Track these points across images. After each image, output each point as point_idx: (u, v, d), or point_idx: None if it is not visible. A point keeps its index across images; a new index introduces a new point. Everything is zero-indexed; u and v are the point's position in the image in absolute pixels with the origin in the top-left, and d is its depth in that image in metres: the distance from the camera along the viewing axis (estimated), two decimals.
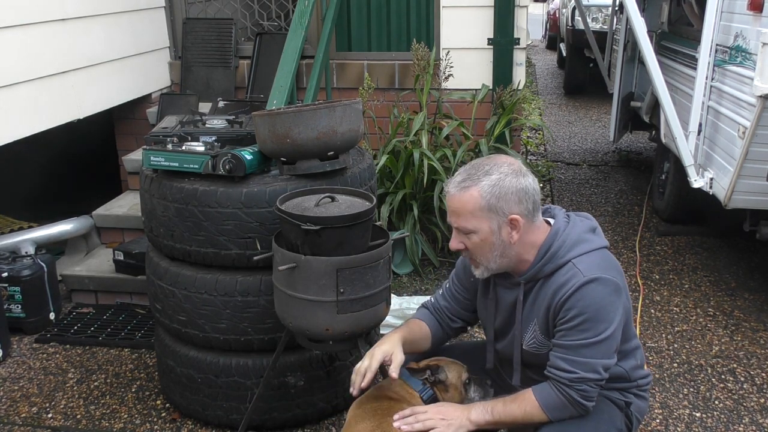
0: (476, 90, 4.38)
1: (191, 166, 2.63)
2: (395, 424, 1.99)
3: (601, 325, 1.92)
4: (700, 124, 3.84)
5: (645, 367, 2.23)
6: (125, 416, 3.00)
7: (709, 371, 3.29)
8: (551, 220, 2.10)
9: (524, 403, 1.99)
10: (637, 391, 2.18)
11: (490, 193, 1.94)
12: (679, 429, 2.89)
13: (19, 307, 3.60)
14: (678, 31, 4.73)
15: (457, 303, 2.29)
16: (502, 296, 2.15)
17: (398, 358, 2.06)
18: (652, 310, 3.87)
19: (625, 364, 2.12)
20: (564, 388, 1.95)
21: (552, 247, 2.01)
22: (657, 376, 3.25)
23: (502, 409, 2.01)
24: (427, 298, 3.65)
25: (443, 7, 4.41)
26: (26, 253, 3.88)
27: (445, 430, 1.99)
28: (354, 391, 2.05)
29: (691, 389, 3.16)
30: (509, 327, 2.16)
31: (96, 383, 3.25)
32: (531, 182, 1.99)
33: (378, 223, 2.58)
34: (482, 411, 2.02)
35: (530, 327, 2.08)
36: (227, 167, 2.58)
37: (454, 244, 2.05)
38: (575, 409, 1.96)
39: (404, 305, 3.59)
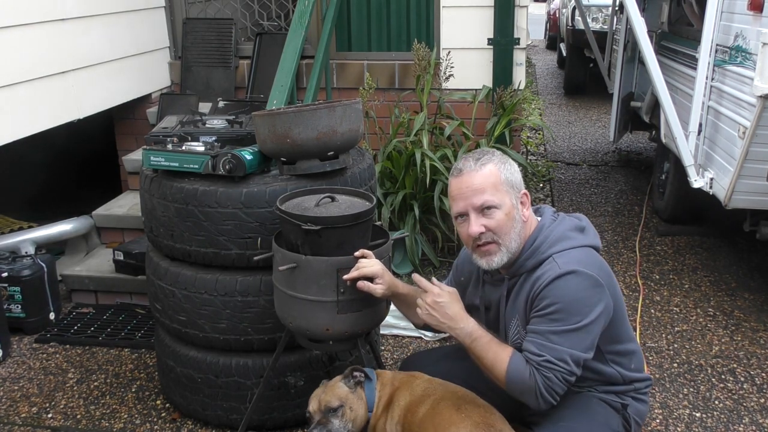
0: (476, 90, 4.38)
1: (191, 166, 2.63)
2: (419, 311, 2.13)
3: (573, 316, 1.92)
4: (700, 124, 3.85)
5: (645, 370, 2.22)
6: (125, 416, 3.00)
7: (709, 371, 3.29)
8: (540, 219, 2.12)
9: (498, 356, 2.01)
10: (635, 394, 2.17)
11: (505, 169, 2.03)
12: (679, 429, 2.89)
13: (19, 307, 3.60)
14: (678, 31, 4.73)
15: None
16: (489, 294, 2.17)
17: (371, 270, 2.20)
18: (652, 310, 3.86)
19: (620, 367, 2.11)
20: (532, 369, 1.95)
21: (536, 242, 2.03)
22: (657, 376, 3.25)
23: (484, 342, 2.03)
24: None
25: (443, 7, 4.41)
26: (26, 253, 3.88)
27: (432, 313, 2.09)
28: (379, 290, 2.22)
29: (691, 389, 3.16)
30: (496, 324, 2.18)
31: (96, 383, 3.25)
32: (517, 171, 2.11)
33: (378, 223, 2.58)
34: (470, 332, 2.05)
35: (513, 323, 2.09)
36: (227, 167, 2.58)
37: (475, 228, 2.01)
38: (533, 394, 1.95)
39: None
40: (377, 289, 2.20)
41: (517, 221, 2.02)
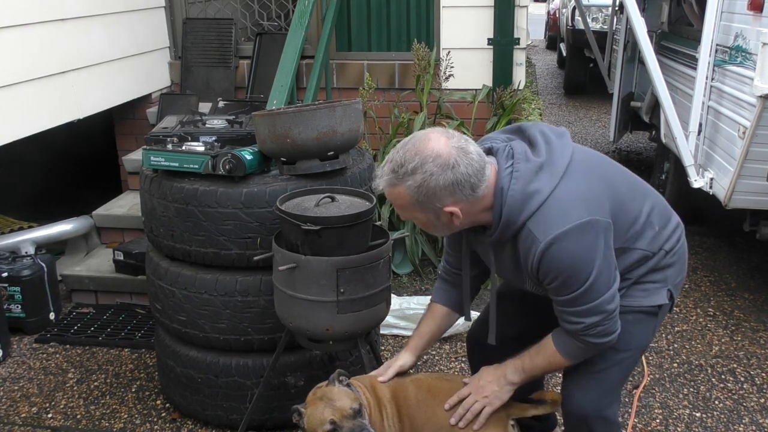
0: (476, 90, 4.38)
1: (191, 166, 2.63)
2: (451, 421, 2.06)
3: (581, 274, 1.85)
4: (700, 124, 3.84)
5: (670, 227, 2.08)
6: (125, 416, 3.00)
7: (709, 371, 3.29)
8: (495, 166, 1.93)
9: (547, 355, 2.01)
10: (667, 259, 2.07)
11: (417, 193, 1.82)
12: (679, 429, 2.89)
13: (19, 307, 3.60)
14: (678, 31, 4.73)
15: (459, 252, 2.20)
16: (472, 239, 2.12)
17: (397, 364, 2.21)
18: None
19: (642, 243, 2.00)
20: (579, 337, 1.95)
21: (502, 214, 1.88)
22: (657, 376, 3.25)
23: (530, 363, 2.04)
24: (428, 298, 3.67)
25: (443, 7, 4.41)
26: (26, 253, 3.88)
27: (496, 403, 2.05)
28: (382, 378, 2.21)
29: (691, 389, 3.16)
30: (480, 260, 2.16)
31: (96, 383, 3.25)
32: (464, 168, 1.81)
33: (378, 223, 2.58)
34: (515, 371, 2.05)
35: (526, 281, 2.02)
36: (227, 167, 2.57)
37: (403, 217, 2.01)
38: (596, 348, 1.97)
39: (404, 305, 3.59)
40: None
41: (439, 227, 1.95)
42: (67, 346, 3.56)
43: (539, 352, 2.04)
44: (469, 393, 2.09)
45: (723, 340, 3.56)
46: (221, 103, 3.86)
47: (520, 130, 2.04)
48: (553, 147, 1.92)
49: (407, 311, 3.56)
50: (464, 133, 4.18)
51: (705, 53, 3.73)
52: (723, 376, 3.25)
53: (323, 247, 2.28)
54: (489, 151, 1.97)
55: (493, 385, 2.07)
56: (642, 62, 4.64)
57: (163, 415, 3.01)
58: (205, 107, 4.16)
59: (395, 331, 3.58)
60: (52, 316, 3.71)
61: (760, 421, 2.94)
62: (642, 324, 2.09)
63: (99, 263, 4.02)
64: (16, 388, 3.22)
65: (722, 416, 2.97)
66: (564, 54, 10.45)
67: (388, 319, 3.43)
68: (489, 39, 4.35)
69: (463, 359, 3.23)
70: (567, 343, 1.98)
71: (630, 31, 4.81)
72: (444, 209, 1.86)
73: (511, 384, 2.06)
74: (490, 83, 4.38)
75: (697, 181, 3.84)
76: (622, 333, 2.03)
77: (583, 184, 1.89)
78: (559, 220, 1.83)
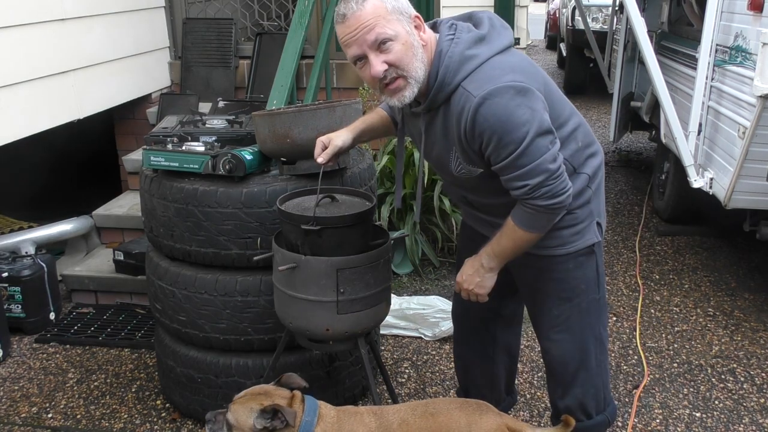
0: None
1: (191, 166, 2.63)
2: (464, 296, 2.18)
3: (517, 132, 1.84)
4: (700, 124, 3.85)
5: (591, 149, 2.12)
6: (125, 416, 3.00)
7: (709, 371, 3.29)
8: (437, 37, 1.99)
9: (509, 232, 2.02)
10: (591, 187, 2.11)
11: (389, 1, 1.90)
12: (679, 429, 2.89)
13: (19, 307, 3.60)
14: (678, 31, 4.73)
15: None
16: (411, 126, 2.14)
17: (334, 144, 2.26)
18: (652, 310, 3.87)
19: (566, 152, 2.02)
20: (528, 202, 1.93)
21: (439, 73, 1.92)
22: (657, 376, 3.25)
23: (498, 246, 2.06)
24: (428, 298, 3.68)
25: (443, 7, 4.41)
26: (26, 253, 3.88)
27: (483, 291, 2.13)
28: (320, 159, 2.28)
29: (691, 389, 3.16)
30: (423, 153, 2.17)
31: (96, 383, 3.25)
32: None
33: (378, 223, 2.58)
34: (488, 257, 2.09)
35: (452, 156, 2.02)
36: (227, 167, 2.57)
37: (378, 67, 1.90)
38: (548, 212, 1.95)
39: (404, 305, 3.59)
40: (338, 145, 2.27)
41: (416, 47, 1.91)
42: (67, 346, 3.56)
43: (502, 233, 2.04)
44: (459, 290, 2.19)
45: (723, 340, 3.56)
46: (221, 103, 3.85)
47: (470, 16, 2.08)
48: (496, 29, 1.98)
49: (407, 311, 3.57)
50: None
51: (705, 53, 3.73)
52: (723, 376, 3.25)
53: (323, 247, 2.28)
54: (433, 26, 2.03)
55: (474, 276, 2.12)
56: (642, 62, 4.64)
57: (163, 415, 3.01)
58: (205, 107, 4.16)
59: (395, 331, 3.58)
60: (52, 316, 3.71)
61: (760, 421, 2.94)
62: (583, 266, 2.15)
63: (99, 263, 4.02)
64: (16, 388, 3.22)
65: (722, 416, 2.97)
66: (564, 54, 10.45)
67: (388, 319, 3.43)
68: None
69: None
70: (520, 214, 1.98)
71: (630, 31, 4.81)
72: (412, 15, 1.92)
73: (491, 270, 2.10)
74: None
75: (697, 181, 3.84)
76: (567, 281, 2.13)
77: (521, 62, 1.95)
78: (495, 79, 1.86)
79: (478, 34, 1.94)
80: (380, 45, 1.89)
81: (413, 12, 1.94)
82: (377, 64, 1.90)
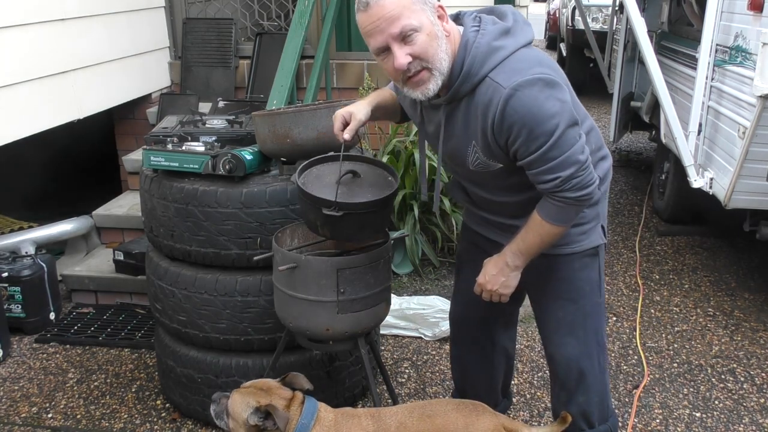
0: None
1: (191, 166, 2.63)
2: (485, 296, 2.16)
3: (548, 124, 1.82)
4: (700, 124, 3.85)
5: (600, 154, 2.12)
6: (125, 416, 3.00)
7: (709, 371, 3.29)
8: (462, 30, 1.95)
9: (535, 227, 1.99)
10: (601, 188, 2.10)
11: None
12: (679, 429, 2.89)
13: (19, 307, 3.60)
14: (678, 31, 4.73)
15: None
16: (428, 116, 2.07)
17: (357, 118, 2.11)
18: (652, 310, 3.87)
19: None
20: (557, 195, 1.91)
21: (465, 64, 1.88)
22: (657, 376, 3.25)
23: (524, 243, 2.03)
24: (428, 298, 3.68)
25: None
26: (26, 253, 3.88)
27: (507, 291, 2.11)
28: (346, 135, 2.10)
29: (691, 389, 3.16)
30: (436, 142, 2.11)
31: (96, 383, 3.25)
32: None
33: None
34: (513, 255, 2.05)
35: (470, 149, 1.99)
36: (227, 167, 2.58)
37: (402, 59, 1.84)
38: (577, 203, 1.94)
39: (404, 305, 3.59)
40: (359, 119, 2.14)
41: (440, 38, 1.87)
42: (67, 346, 3.56)
43: (528, 228, 2.02)
44: (480, 291, 2.13)
45: (723, 340, 3.56)
46: (221, 103, 3.85)
47: (491, 10, 2.05)
48: (519, 23, 1.95)
49: (407, 311, 3.57)
50: None
51: (705, 53, 3.73)
52: (723, 376, 3.25)
53: (345, 229, 2.22)
54: (456, 17, 2.00)
55: (499, 276, 2.09)
56: (642, 62, 4.65)
57: (163, 415, 3.01)
58: (205, 107, 4.16)
59: (395, 331, 3.58)
60: (52, 316, 3.71)
61: (760, 421, 2.94)
62: (588, 267, 2.16)
63: (99, 263, 4.02)
64: (16, 388, 3.22)
65: (722, 416, 2.97)
66: (564, 54, 10.45)
67: (388, 319, 3.43)
68: None
69: None
70: (548, 208, 1.96)
71: (630, 31, 4.82)
72: (435, 5, 1.87)
73: (516, 268, 2.07)
74: None
75: (696, 181, 3.84)
76: (572, 281, 2.13)
77: (545, 57, 1.94)
78: (524, 71, 1.83)
79: (504, 26, 1.91)
80: (405, 37, 1.83)
81: (436, 1, 1.88)
82: (401, 56, 1.84)
